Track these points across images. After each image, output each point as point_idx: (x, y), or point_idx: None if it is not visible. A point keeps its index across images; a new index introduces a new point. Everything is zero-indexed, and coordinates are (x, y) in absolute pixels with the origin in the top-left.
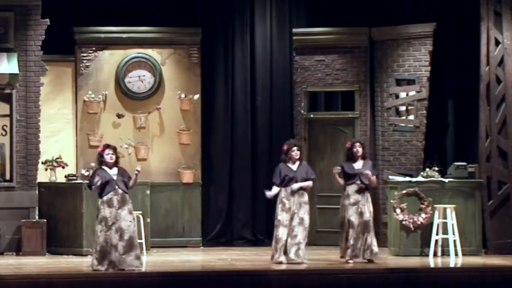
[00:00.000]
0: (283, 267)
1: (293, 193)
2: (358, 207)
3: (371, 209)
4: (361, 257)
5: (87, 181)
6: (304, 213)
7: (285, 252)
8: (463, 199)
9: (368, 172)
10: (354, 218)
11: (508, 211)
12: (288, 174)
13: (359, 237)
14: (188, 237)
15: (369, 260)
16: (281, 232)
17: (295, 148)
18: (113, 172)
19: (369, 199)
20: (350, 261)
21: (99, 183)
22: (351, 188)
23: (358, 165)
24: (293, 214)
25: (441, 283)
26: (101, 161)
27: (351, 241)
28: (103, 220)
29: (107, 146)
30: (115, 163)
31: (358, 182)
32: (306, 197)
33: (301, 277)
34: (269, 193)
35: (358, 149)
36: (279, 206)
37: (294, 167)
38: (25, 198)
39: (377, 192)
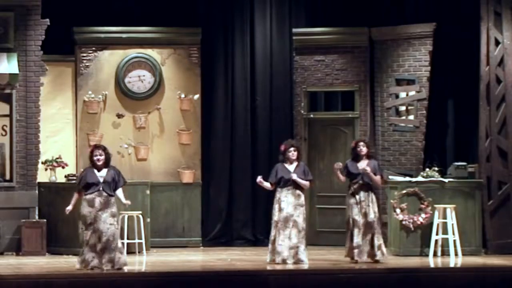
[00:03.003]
0: (283, 267)
1: (288, 192)
2: (362, 207)
3: (376, 209)
4: (367, 256)
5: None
6: (298, 215)
7: (281, 253)
8: (463, 199)
9: (367, 168)
10: (358, 218)
11: (508, 211)
12: (284, 176)
13: (364, 237)
14: (188, 237)
15: (376, 261)
16: (275, 233)
17: (291, 148)
18: (102, 174)
19: (374, 200)
20: (359, 259)
21: (81, 185)
22: (355, 187)
23: (362, 164)
24: (288, 216)
25: (441, 283)
26: (91, 160)
27: (357, 240)
28: (82, 218)
29: (95, 146)
30: (105, 164)
31: (361, 181)
32: (302, 199)
33: (300, 277)
34: (263, 182)
35: (362, 148)
36: (275, 207)
37: (291, 167)
38: (25, 198)
39: (377, 192)
